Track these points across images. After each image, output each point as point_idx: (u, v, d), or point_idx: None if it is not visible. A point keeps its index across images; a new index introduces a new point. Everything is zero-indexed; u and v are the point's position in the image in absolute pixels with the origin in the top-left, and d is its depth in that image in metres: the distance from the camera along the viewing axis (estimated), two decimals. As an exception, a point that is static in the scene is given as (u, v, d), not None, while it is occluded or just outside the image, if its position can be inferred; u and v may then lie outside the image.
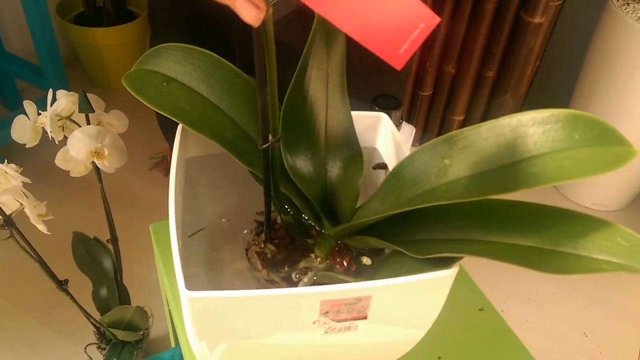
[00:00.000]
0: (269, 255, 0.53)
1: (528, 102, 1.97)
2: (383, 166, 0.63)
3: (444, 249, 0.44)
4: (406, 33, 0.37)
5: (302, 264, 0.52)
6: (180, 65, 0.53)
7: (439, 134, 1.94)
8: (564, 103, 1.83)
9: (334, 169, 0.55)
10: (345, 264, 0.51)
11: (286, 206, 0.55)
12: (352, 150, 0.56)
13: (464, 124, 1.87)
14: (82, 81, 2.14)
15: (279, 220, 0.56)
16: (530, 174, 0.40)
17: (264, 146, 0.44)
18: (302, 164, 0.54)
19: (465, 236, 0.44)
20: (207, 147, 0.62)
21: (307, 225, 0.55)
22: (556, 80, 2.06)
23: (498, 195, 0.40)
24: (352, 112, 0.59)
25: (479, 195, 0.40)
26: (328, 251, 0.52)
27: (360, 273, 0.51)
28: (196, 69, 0.53)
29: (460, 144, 0.45)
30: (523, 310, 1.51)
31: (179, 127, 0.59)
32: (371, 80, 0.94)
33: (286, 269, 0.51)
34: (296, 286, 0.48)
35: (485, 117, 1.82)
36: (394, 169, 0.49)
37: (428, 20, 0.37)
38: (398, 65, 0.37)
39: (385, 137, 0.63)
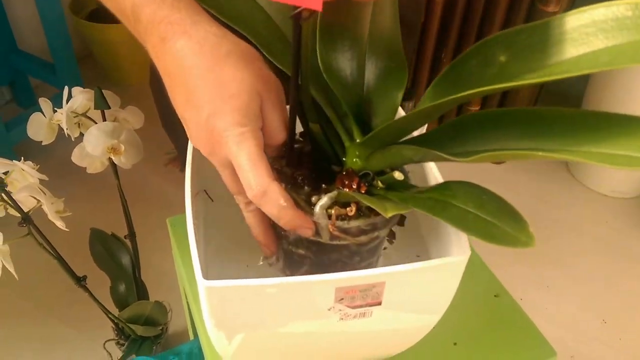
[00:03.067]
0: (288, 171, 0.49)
1: (544, 92, 1.97)
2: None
3: (486, 151, 0.41)
4: None
5: (324, 186, 0.48)
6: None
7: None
8: (579, 90, 1.82)
9: (373, 77, 0.51)
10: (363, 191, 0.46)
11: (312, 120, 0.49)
12: (395, 61, 0.51)
13: (478, 114, 1.86)
14: (96, 77, 2.15)
15: (303, 149, 0.51)
16: (602, 62, 0.36)
17: (295, 13, 0.38)
18: (339, 62, 0.49)
19: (509, 145, 0.42)
20: None
21: (334, 142, 0.50)
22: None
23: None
24: None
25: (538, 78, 0.37)
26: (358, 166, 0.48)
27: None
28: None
29: (518, 42, 0.41)
30: (542, 298, 1.51)
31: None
32: None
33: (306, 189, 0.47)
34: (314, 209, 0.45)
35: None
36: (441, 74, 0.45)
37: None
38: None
39: None
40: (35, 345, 1.33)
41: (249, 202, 0.46)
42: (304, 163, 0.49)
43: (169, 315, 1.15)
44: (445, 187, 0.43)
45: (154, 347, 1.13)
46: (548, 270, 1.59)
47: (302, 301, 0.44)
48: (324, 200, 0.44)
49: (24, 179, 0.75)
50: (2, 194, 0.72)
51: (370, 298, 0.45)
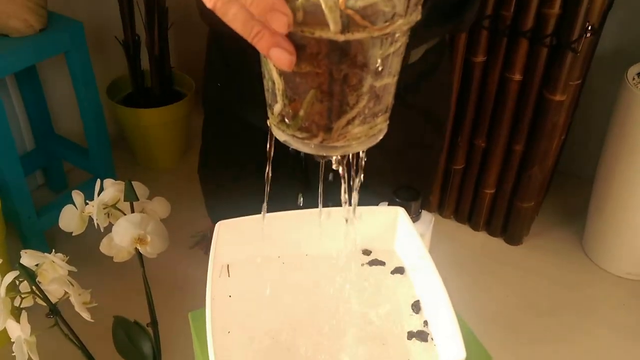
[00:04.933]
0: None
1: (557, 173, 1.99)
2: (401, 270, 0.67)
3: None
4: None
5: None
6: None
7: (472, 207, 1.95)
8: (591, 172, 1.85)
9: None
10: None
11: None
12: None
13: (495, 197, 1.88)
14: (128, 161, 2.21)
15: None
16: None
17: None
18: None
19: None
20: (246, 248, 0.65)
21: None
22: (584, 151, 2.08)
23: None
24: (371, 207, 0.65)
25: None
26: None
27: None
28: None
29: None
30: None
31: (217, 225, 0.63)
32: (400, 163, 0.96)
33: None
34: None
35: (515, 190, 1.83)
36: None
37: None
38: None
39: (404, 230, 0.68)
40: None
41: None
42: None
43: (188, 403, 1.14)
44: None
45: None
46: (565, 353, 1.57)
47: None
48: None
49: (54, 271, 0.78)
50: (33, 287, 0.74)
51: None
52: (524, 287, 1.77)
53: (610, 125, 1.70)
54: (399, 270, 0.68)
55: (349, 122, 0.42)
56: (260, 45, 0.38)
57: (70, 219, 0.84)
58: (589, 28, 1.50)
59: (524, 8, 1.55)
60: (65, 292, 0.78)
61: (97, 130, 1.77)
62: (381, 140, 0.47)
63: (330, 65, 0.39)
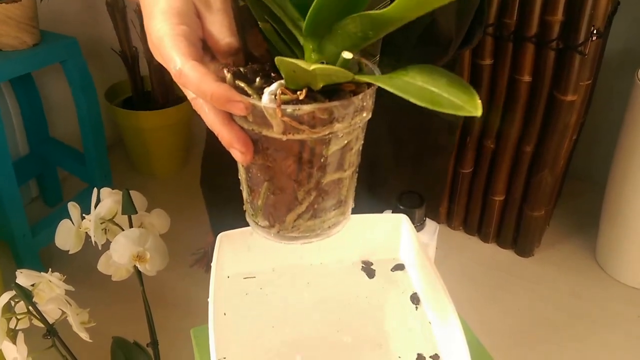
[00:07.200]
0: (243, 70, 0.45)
1: (568, 179, 1.96)
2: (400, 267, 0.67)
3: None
4: None
5: (274, 75, 0.45)
6: None
7: (481, 216, 1.93)
8: (603, 177, 1.83)
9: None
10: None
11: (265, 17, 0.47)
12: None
13: (504, 205, 1.86)
14: (124, 168, 2.19)
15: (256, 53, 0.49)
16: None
17: None
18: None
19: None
20: (247, 262, 0.64)
21: (291, 44, 0.47)
22: (595, 155, 2.07)
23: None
24: (374, 215, 0.64)
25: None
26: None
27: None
28: None
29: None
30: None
31: (219, 237, 0.60)
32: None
33: (257, 81, 0.44)
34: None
35: (525, 196, 1.81)
36: None
37: None
38: None
39: (407, 238, 0.67)
40: None
41: (194, 97, 0.44)
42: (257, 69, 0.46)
43: None
44: (401, 70, 0.42)
45: None
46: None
47: None
48: (273, 86, 0.42)
49: (51, 290, 0.75)
50: (29, 307, 0.72)
51: None
52: (536, 300, 1.74)
53: (622, 127, 1.68)
54: (402, 275, 0.67)
55: (299, 216, 0.45)
56: (222, 143, 0.44)
57: (66, 237, 0.81)
58: (594, 32, 1.49)
59: (526, 15, 1.55)
60: (63, 312, 0.76)
61: (94, 134, 1.74)
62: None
63: (279, 160, 0.43)
